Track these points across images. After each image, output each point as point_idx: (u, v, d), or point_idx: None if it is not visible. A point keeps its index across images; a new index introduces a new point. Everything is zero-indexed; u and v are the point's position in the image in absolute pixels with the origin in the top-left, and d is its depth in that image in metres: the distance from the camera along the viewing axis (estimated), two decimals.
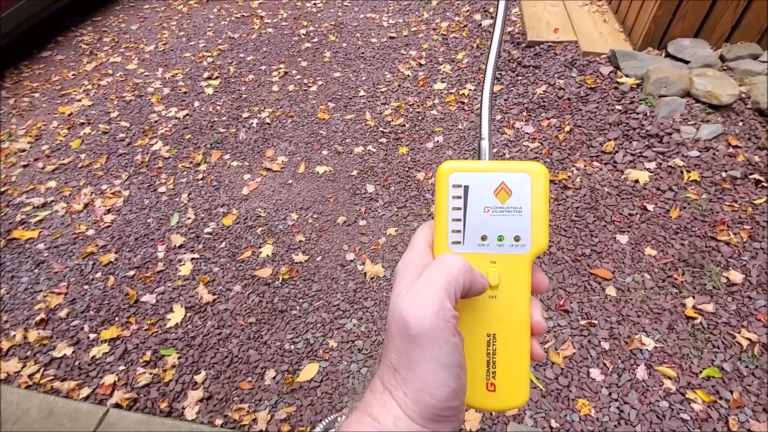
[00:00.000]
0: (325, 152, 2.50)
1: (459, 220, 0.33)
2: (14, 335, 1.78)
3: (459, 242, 0.33)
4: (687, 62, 2.34)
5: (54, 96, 3.18)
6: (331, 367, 1.61)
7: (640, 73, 2.36)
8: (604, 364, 1.52)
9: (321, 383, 1.57)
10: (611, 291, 1.70)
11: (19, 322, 1.84)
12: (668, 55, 2.45)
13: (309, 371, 1.59)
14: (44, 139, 2.79)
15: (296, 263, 1.96)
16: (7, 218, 2.28)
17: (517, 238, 0.32)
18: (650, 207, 1.94)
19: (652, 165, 2.08)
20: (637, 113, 2.25)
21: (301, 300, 1.82)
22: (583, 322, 1.63)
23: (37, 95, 3.21)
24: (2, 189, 2.45)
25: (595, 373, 1.50)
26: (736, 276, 1.63)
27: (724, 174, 1.94)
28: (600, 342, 1.58)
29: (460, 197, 0.33)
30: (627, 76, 2.41)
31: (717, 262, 1.70)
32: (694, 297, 1.62)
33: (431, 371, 0.27)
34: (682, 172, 2.02)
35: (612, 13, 2.96)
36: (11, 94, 3.25)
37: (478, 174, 0.33)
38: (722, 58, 2.35)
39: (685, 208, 1.91)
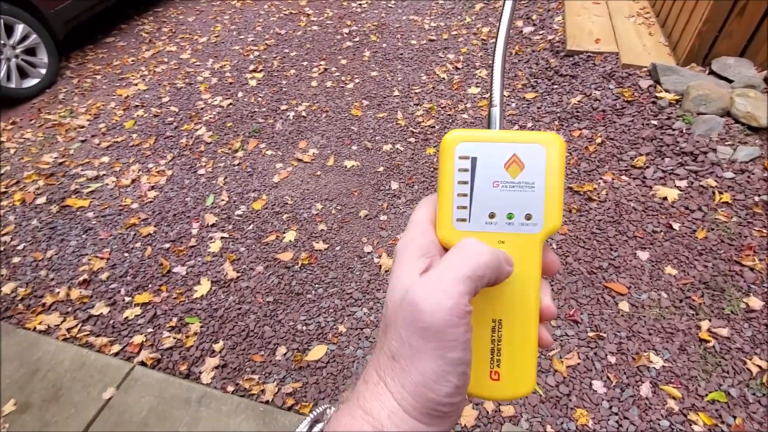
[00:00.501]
0: (354, 147, 2.59)
1: (465, 195, 0.30)
2: (58, 292, 1.97)
3: (464, 219, 0.30)
4: (730, 81, 2.26)
5: (114, 79, 3.44)
6: (338, 350, 1.69)
7: (680, 89, 2.30)
8: (608, 378, 1.52)
9: (327, 365, 1.65)
10: (624, 306, 1.69)
11: (64, 281, 2.03)
12: (712, 73, 2.37)
13: (317, 352, 1.68)
14: (101, 117, 3.04)
15: (316, 250, 2.05)
16: (63, 187, 2.51)
17: (528, 217, 0.30)
18: (676, 225, 1.89)
19: (683, 183, 2.02)
20: (673, 129, 2.20)
21: (317, 285, 1.91)
22: (591, 334, 1.63)
23: (98, 77, 3.49)
24: (61, 160, 2.70)
25: (598, 385, 1.50)
26: (756, 302, 1.57)
27: (756, 198, 1.86)
28: (606, 355, 1.57)
29: (467, 170, 0.30)
30: (666, 91, 2.35)
31: (738, 287, 1.65)
32: (710, 320, 1.58)
33: (435, 366, 0.25)
34: (713, 192, 1.96)
35: (659, 27, 2.88)
36: (75, 74, 3.54)
37: (487, 144, 0.30)
38: (767, 80, 2.25)
39: (712, 229, 1.85)
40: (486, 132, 0.31)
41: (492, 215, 0.30)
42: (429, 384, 0.25)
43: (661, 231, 1.90)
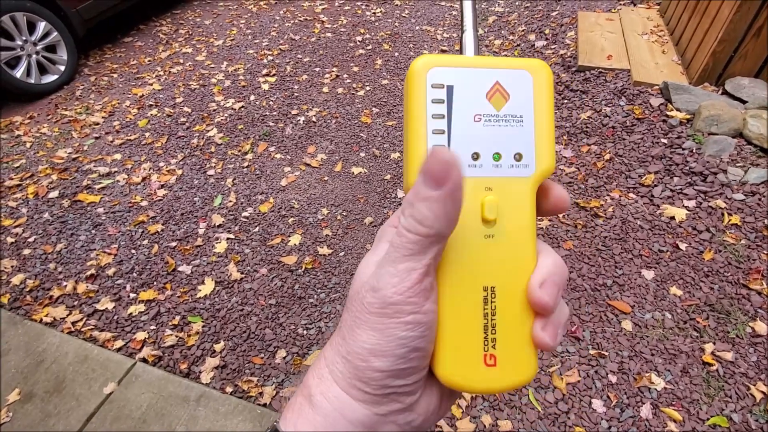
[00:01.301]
0: (362, 154, 2.60)
1: (441, 131, 0.25)
2: (65, 285, 2.00)
3: None
4: (744, 102, 2.24)
5: (130, 78, 3.51)
6: None
7: (691, 108, 2.28)
8: (608, 397, 1.50)
9: None
10: (627, 325, 1.67)
11: (71, 274, 2.06)
12: (725, 93, 2.35)
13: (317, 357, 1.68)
14: (116, 115, 3.10)
15: (320, 255, 2.06)
16: (75, 182, 2.55)
17: (518, 156, 0.25)
18: (683, 246, 1.88)
19: (692, 203, 2.01)
20: (683, 149, 2.19)
21: (319, 290, 1.92)
22: (593, 352, 1.62)
23: (115, 76, 3.56)
24: (75, 156, 2.75)
25: (598, 404, 1.49)
26: (762, 327, 1.55)
27: (767, 221, 1.84)
28: (607, 374, 1.56)
29: (442, 101, 0.25)
30: (678, 109, 2.34)
31: (745, 311, 1.62)
32: (714, 343, 1.56)
33: (373, 338, 0.24)
34: (722, 214, 1.94)
35: (673, 45, 2.87)
36: (93, 72, 3.62)
37: (465, 70, 0.25)
38: None
39: (720, 251, 1.83)
40: (462, 57, 0.26)
41: (476, 156, 0.25)
42: (362, 354, 0.24)
43: (668, 250, 1.88)
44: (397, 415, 0.25)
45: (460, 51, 0.27)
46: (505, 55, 3.28)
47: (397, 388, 0.25)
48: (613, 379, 1.54)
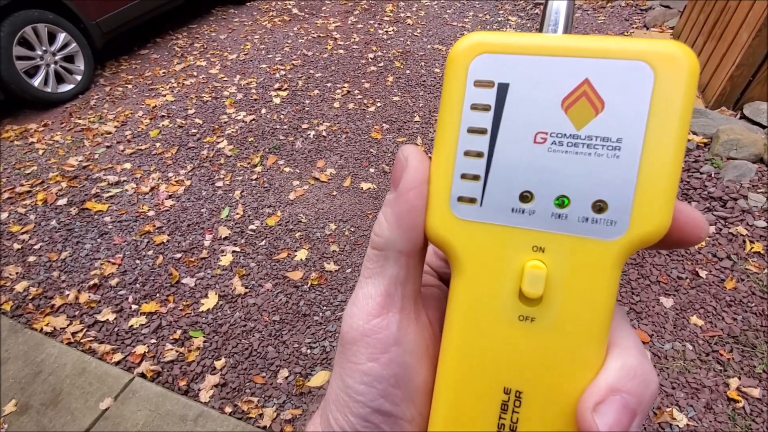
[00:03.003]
0: (372, 170, 2.58)
1: (479, 154, 0.17)
2: (68, 294, 1.97)
3: (473, 200, 0.18)
4: (764, 127, 2.19)
5: (144, 89, 3.55)
6: None
7: (709, 132, 2.24)
8: None
9: None
10: (646, 355, 1.59)
11: (74, 283, 2.03)
12: (743, 117, 2.31)
13: (320, 378, 1.62)
14: (128, 125, 3.12)
15: (327, 271, 2.02)
16: (84, 190, 2.55)
17: (599, 206, 0.17)
18: (703, 273, 1.81)
19: (711, 229, 1.94)
20: (701, 173, 2.13)
21: (324, 307, 1.87)
22: None
23: (129, 86, 3.60)
24: (86, 164, 2.75)
25: None
26: None
27: None
28: None
29: (487, 108, 0.17)
30: (695, 133, 2.30)
31: None
32: (739, 378, 1.48)
33: (335, 389, 0.21)
34: (744, 241, 1.87)
35: None
36: (108, 82, 3.67)
37: (533, 60, 0.17)
38: None
39: (743, 280, 1.76)
40: (530, 36, 0.17)
41: (527, 196, 0.17)
42: (328, 403, 0.21)
43: (687, 278, 1.82)
44: None
45: (541, 25, 0.18)
46: None
47: None
48: None
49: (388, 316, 0.19)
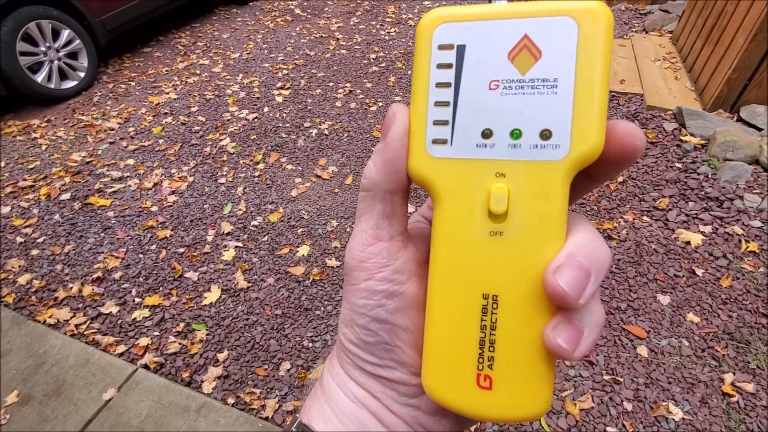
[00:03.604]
0: None
1: (446, 103, 0.21)
2: (71, 287, 1.98)
3: (444, 141, 0.21)
4: (759, 129, 2.23)
5: (147, 86, 3.57)
6: None
7: (706, 134, 2.28)
8: (624, 426, 1.44)
9: None
10: (643, 351, 1.62)
11: (78, 276, 2.05)
12: (740, 120, 2.35)
13: (321, 370, 1.64)
14: (131, 122, 3.13)
15: (328, 267, 2.04)
16: (87, 185, 2.56)
17: (545, 134, 0.20)
18: (699, 271, 1.84)
19: (708, 229, 1.98)
20: (698, 174, 2.17)
21: (326, 302, 1.89)
22: (607, 377, 1.56)
23: (132, 84, 3.62)
24: (89, 160, 2.77)
25: None
26: None
27: None
28: (622, 401, 1.50)
29: (449, 65, 0.21)
30: (692, 135, 2.33)
31: (765, 341, 1.57)
32: (734, 373, 1.51)
33: (344, 305, 0.25)
34: (740, 240, 1.90)
35: (686, 72, 2.89)
36: (111, 80, 3.69)
37: (483, 24, 0.20)
38: None
39: (738, 278, 1.79)
40: (481, 7, 0.21)
41: (486, 133, 0.20)
42: (340, 325, 0.25)
43: (684, 276, 1.84)
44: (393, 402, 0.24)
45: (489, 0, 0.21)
46: None
47: (373, 368, 0.24)
48: (629, 406, 1.48)
49: (379, 245, 0.23)
